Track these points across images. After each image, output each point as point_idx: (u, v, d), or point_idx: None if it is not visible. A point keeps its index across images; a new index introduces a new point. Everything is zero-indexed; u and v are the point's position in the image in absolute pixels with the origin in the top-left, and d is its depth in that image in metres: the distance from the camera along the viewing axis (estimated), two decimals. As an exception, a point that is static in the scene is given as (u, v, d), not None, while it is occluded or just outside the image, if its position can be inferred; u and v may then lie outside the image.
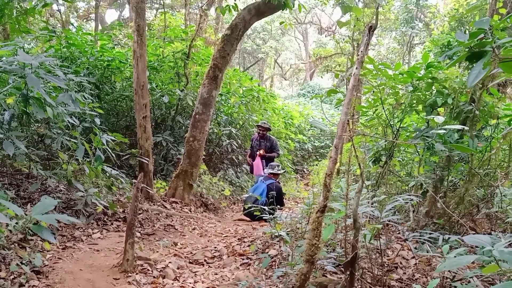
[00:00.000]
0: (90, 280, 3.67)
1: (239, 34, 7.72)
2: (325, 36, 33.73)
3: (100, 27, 20.79)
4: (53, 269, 3.73)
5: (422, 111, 5.04)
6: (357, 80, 2.72)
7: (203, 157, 8.04)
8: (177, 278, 3.99)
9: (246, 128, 11.34)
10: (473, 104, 4.18)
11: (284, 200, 8.13)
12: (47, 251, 4.08)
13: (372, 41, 23.86)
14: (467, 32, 1.98)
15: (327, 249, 3.79)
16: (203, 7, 13.24)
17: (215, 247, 5.07)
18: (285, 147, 12.98)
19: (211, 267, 4.44)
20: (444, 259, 2.56)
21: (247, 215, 7.19)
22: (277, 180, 7.79)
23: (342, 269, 3.29)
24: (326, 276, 3.37)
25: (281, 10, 8.17)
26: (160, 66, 9.53)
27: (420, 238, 3.46)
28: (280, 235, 3.93)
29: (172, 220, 6.27)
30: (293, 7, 8.01)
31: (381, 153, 5.25)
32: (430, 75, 4.56)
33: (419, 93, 4.77)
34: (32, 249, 3.86)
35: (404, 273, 3.40)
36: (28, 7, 7.28)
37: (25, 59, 4.03)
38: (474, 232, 4.10)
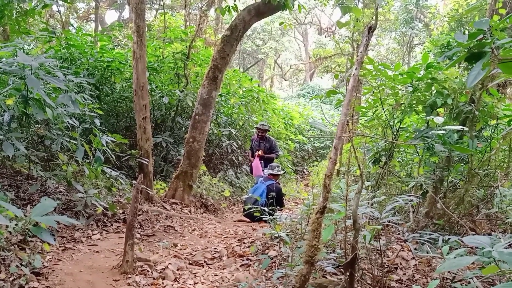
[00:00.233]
0: (89, 282, 3.66)
1: (239, 34, 7.72)
2: (325, 37, 33.75)
3: (100, 28, 20.79)
4: (52, 270, 3.72)
5: (421, 112, 5.04)
6: (356, 81, 2.72)
7: (203, 158, 8.04)
8: (177, 279, 3.99)
9: (246, 129, 11.35)
10: (472, 104, 4.18)
11: (284, 201, 8.13)
12: (47, 252, 4.08)
13: (372, 41, 23.87)
14: (466, 32, 1.98)
15: (327, 250, 3.79)
16: (202, 8, 13.24)
17: (215, 248, 5.07)
18: (285, 148, 12.98)
19: (211, 268, 4.44)
20: (444, 260, 2.55)
21: (247, 216, 7.19)
22: (277, 181, 7.79)
23: (342, 270, 3.29)
24: (326, 277, 3.37)
25: (280, 11, 8.17)
26: (160, 67, 9.53)
27: (420, 239, 3.46)
28: (280, 236, 3.93)
29: (172, 221, 6.27)
30: (293, 7, 8.01)
31: (381, 153, 5.25)
32: (429, 76, 4.56)
33: (419, 94, 4.77)
34: (31, 251, 3.86)
35: (404, 274, 3.40)
36: (28, 8, 7.28)
37: (24, 60, 4.03)
38: (474, 232, 4.09)
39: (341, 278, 3.27)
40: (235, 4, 8.03)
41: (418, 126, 5.19)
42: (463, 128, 3.87)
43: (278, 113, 13.62)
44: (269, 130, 9.24)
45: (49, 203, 2.06)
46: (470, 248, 3.54)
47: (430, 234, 3.44)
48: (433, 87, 4.64)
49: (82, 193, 5.18)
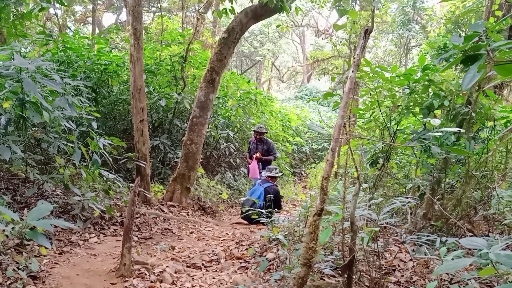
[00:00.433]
0: (87, 285, 3.65)
1: (236, 37, 7.73)
2: (322, 39, 33.81)
3: (97, 31, 20.78)
4: (50, 274, 3.71)
5: (419, 114, 5.04)
6: (353, 83, 2.72)
7: (201, 160, 8.03)
8: (175, 282, 3.98)
9: (243, 131, 11.35)
10: (469, 106, 4.19)
11: (281, 203, 8.13)
12: (44, 256, 4.07)
13: (369, 43, 23.95)
14: (462, 35, 1.99)
15: (325, 252, 3.79)
16: (200, 11, 13.25)
17: (213, 251, 5.06)
18: (282, 150, 12.98)
19: (208, 271, 4.43)
20: (442, 262, 2.55)
21: (244, 219, 7.18)
22: (275, 183, 7.79)
23: (340, 272, 3.29)
24: (324, 279, 3.37)
25: (278, 13, 8.18)
26: (157, 70, 9.53)
27: (417, 241, 3.46)
28: (278, 238, 3.92)
29: (170, 224, 6.26)
30: (290, 10, 8.03)
31: (379, 155, 5.25)
32: (426, 78, 4.57)
33: (416, 96, 4.78)
34: (28, 254, 3.85)
35: (402, 276, 3.40)
36: (25, 11, 7.28)
37: (21, 64, 4.02)
38: (471, 234, 4.10)
39: (339, 280, 3.27)
40: (232, 7, 8.04)
41: (415, 128, 5.21)
42: (460, 130, 3.88)
43: (276, 115, 13.63)
44: (266, 132, 9.24)
45: (45, 206, 2.06)
46: (468, 250, 3.54)
47: (427, 236, 3.44)
48: (430, 89, 4.65)
49: (79, 196, 5.17)
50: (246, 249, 4.98)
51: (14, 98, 4.30)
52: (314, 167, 13.81)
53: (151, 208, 6.67)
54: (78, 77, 7.83)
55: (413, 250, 3.68)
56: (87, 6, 23.73)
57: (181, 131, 9.55)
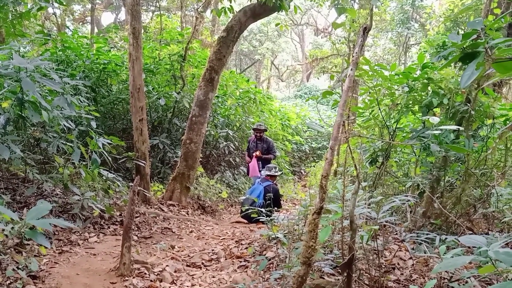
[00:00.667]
0: (86, 285, 3.65)
1: (235, 36, 7.73)
2: (321, 38, 33.80)
3: (96, 30, 20.77)
4: (49, 273, 3.71)
5: (418, 112, 5.04)
6: (352, 82, 2.72)
7: (200, 159, 8.03)
8: (174, 281, 3.98)
9: (243, 130, 11.34)
10: (468, 104, 4.18)
11: (281, 202, 8.13)
12: (44, 255, 4.07)
13: (368, 42, 23.94)
14: (461, 32, 1.98)
15: (324, 251, 3.79)
16: (199, 9, 13.24)
17: (213, 250, 5.06)
18: (282, 149, 12.98)
19: (208, 270, 4.43)
20: (441, 260, 2.55)
21: (244, 217, 7.18)
22: (274, 182, 7.78)
23: (339, 270, 3.29)
24: (323, 278, 3.37)
25: (277, 12, 8.18)
26: (157, 69, 9.52)
27: (417, 239, 3.46)
28: (277, 237, 3.92)
29: (169, 223, 6.26)
30: (289, 8, 8.02)
31: (378, 154, 5.25)
32: (425, 76, 4.56)
33: (415, 94, 4.78)
34: (28, 254, 3.85)
35: (402, 274, 3.40)
36: (23, 11, 7.27)
37: (20, 63, 4.02)
38: (471, 232, 4.10)
39: (338, 279, 3.27)
40: (231, 6, 8.04)
41: (414, 126, 5.20)
42: (459, 128, 3.88)
43: (275, 114, 13.63)
44: (266, 130, 9.23)
45: (44, 206, 2.06)
46: (468, 248, 3.54)
47: (427, 234, 3.44)
48: (429, 87, 4.65)
49: (78, 195, 5.16)
50: (246, 248, 4.98)
51: (13, 97, 4.30)
52: (314, 166, 13.80)
53: (151, 207, 6.67)
54: (77, 76, 7.83)
55: (412, 249, 3.68)
56: (85, 6, 23.71)
57: (180, 130, 9.55)
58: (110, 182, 6.06)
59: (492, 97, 4.44)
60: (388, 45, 26.18)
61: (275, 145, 9.83)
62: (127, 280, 3.78)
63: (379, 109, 5.09)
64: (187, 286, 3.87)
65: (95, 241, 4.92)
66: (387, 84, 4.90)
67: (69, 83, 5.31)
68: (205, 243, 5.55)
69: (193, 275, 4.20)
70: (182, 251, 5.10)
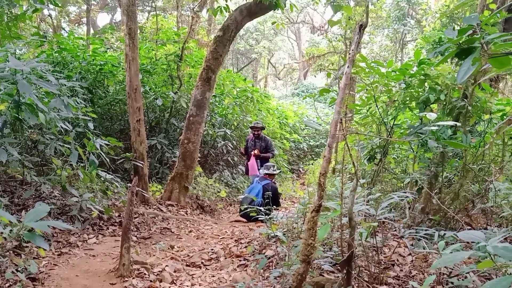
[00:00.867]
0: (86, 286, 3.65)
1: (231, 35, 7.72)
2: (318, 35, 33.78)
3: (92, 31, 20.72)
4: (49, 275, 3.70)
5: (415, 108, 5.05)
6: (348, 79, 2.72)
7: (198, 159, 8.03)
8: (174, 281, 3.98)
9: (240, 129, 11.34)
10: (465, 99, 4.19)
11: (280, 200, 8.13)
12: (43, 257, 4.06)
13: (365, 39, 23.95)
14: (457, 28, 1.98)
15: (324, 248, 3.79)
16: (195, 9, 13.22)
17: (212, 249, 5.06)
18: (280, 147, 12.98)
19: (208, 269, 4.43)
20: (440, 256, 2.56)
21: (243, 216, 7.18)
22: (273, 180, 7.79)
23: (339, 268, 3.29)
24: (323, 276, 3.37)
25: (273, 10, 8.17)
26: (153, 69, 9.51)
27: (416, 235, 3.47)
28: (277, 235, 3.92)
29: (168, 223, 6.25)
30: (285, 7, 8.01)
31: (376, 150, 5.26)
32: (422, 72, 4.57)
33: (412, 90, 4.78)
34: (27, 256, 3.84)
35: (401, 270, 3.40)
36: (18, 13, 7.24)
37: (16, 65, 4.01)
38: (469, 227, 4.11)
39: (338, 276, 3.27)
40: (226, 5, 8.03)
41: (412, 123, 5.21)
42: (456, 124, 3.88)
43: (273, 113, 13.62)
44: (264, 128, 9.23)
45: (42, 208, 2.05)
46: (467, 243, 3.55)
47: (426, 230, 3.45)
48: (426, 83, 4.65)
49: (77, 197, 5.16)
50: (245, 246, 4.98)
51: (10, 100, 4.29)
52: (312, 164, 13.79)
53: (150, 208, 6.67)
54: (73, 78, 7.81)
55: (411, 245, 3.69)
56: (81, 7, 23.64)
57: (178, 130, 9.54)
58: (108, 183, 6.05)
59: (489, 92, 4.45)
60: (384, 42, 26.20)
61: (274, 144, 9.83)
62: (126, 280, 3.78)
63: (377, 106, 5.09)
64: (187, 286, 3.87)
65: (94, 243, 4.92)
66: (384, 81, 4.90)
67: (65, 85, 5.29)
68: (205, 243, 5.55)
69: (192, 274, 4.20)
70: (182, 251, 5.10)
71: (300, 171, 15.52)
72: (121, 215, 5.81)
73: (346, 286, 2.86)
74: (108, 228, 5.48)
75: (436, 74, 4.48)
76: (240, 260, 4.54)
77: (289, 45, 41.27)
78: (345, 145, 2.97)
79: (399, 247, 3.82)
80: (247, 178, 10.38)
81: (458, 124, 4.05)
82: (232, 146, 10.48)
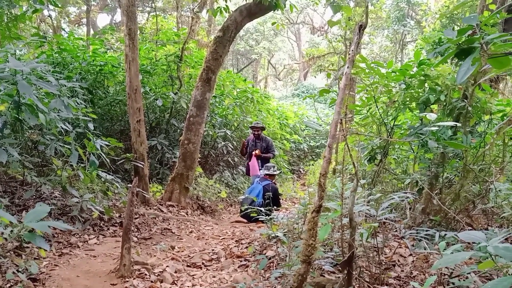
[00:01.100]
0: (87, 286, 3.65)
1: (231, 35, 7.72)
2: (318, 36, 33.78)
3: (92, 32, 20.72)
4: (49, 276, 3.70)
5: (415, 109, 5.05)
6: (348, 79, 2.72)
7: (199, 159, 8.03)
8: (175, 282, 3.98)
9: (241, 130, 11.34)
10: (465, 100, 4.19)
11: (280, 200, 8.13)
12: (43, 258, 4.06)
13: (365, 40, 23.94)
14: (456, 28, 1.99)
15: (324, 249, 3.79)
16: (194, 10, 13.23)
17: (213, 250, 5.06)
18: (280, 148, 12.98)
19: (209, 270, 4.43)
20: (441, 256, 2.56)
21: (244, 217, 7.18)
22: (273, 181, 7.78)
23: (340, 268, 3.29)
24: (324, 276, 3.37)
25: (272, 11, 8.17)
26: (153, 70, 9.51)
27: (417, 236, 3.47)
28: (277, 236, 3.92)
29: (169, 224, 6.25)
30: (285, 7, 8.02)
31: (376, 151, 5.26)
32: (422, 73, 4.57)
33: (412, 91, 4.78)
34: (28, 257, 3.84)
35: (402, 271, 3.40)
36: (18, 13, 7.25)
37: (16, 66, 4.00)
38: (470, 228, 4.11)
39: (339, 277, 3.27)
40: (226, 5, 8.03)
41: (412, 123, 5.21)
42: (456, 124, 3.88)
43: (273, 113, 13.62)
44: (264, 128, 9.23)
45: (42, 209, 2.05)
46: (468, 244, 3.55)
47: (427, 231, 3.45)
48: (426, 84, 4.65)
49: (77, 197, 5.16)
50: (246, 247, 4.98)
51: (10, 100, 4.29)
52: (312, 164, 13.80)
53: (150, 208, 6.67)
54: (73, 78, 7.81)
55: (412, 245, 3.69)
56: (81, 7, 23.65)
57: (178, 130, 9.54)
58: (108, 184, 6.05)
59: (489, 92, 4.45)
60: (384, 43, 26.19)
61: (274, 144, 9.83)
62: (127, 281, 3.78)
63: (377, 107, 5.09)
64: (188, 287, 3.87)
65: (95, 243, 4.92)
66: (384, 81, 4.91)
67: (65, 85, 5.29)
68: (205, 243, 5.55)
69: (193, 275, 4.19)
70: (182, 251, 5.10)
71: (300, 171, 15.52)
72: (122, 216, 5.81)
73: (347, 286, 2.86)
74: (108, 229, 5.48)
75: (436, 74, 4.48)
76: (240, 261, 4.54)
77: (289, 45, 41.28)
78: (345, 145, 2.97)
79: (400, 247, 3.82)
80: (248, 179, 10.38)
81: (458, 124, 4.06)
82: (232, 147, 10.49)
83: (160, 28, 11.58)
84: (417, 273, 3.32)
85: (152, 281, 3.87)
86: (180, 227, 6.27)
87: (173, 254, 4.93)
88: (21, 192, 5.15)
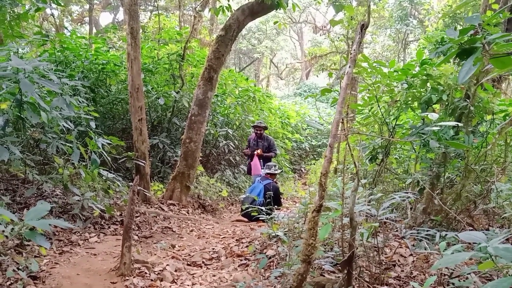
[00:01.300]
0: (87, 285, 3.65)
1: (234, 34, 7.72)
2: (320, 35, 33.75)
3: (94, 30, 20.75)
4: (50, 274, 3.71)
5: (417, 108, 5.04)
6: (350, 79, 2.72)
7: (200, 158, 8.03)
8: (175, 280, 3.98)
9: (242, 129, 11.34)
10: (468, 100, 4.18)
11: (281, 200, 8.12)
12: (44, 256, 4.07)
13: (367, 39, 23.93)
14: (459, 28, 1.98)
15: (325, 249, 3.79)
16: (197, 9, 13.22)
17: (213, 249, 5.06)
18: (282, 147, 12.98)
19: (209, 268, 4.43)
20: (441, 256, 2.55)
21: (244, 216, 7.18)
22: (274, 180, 7.78)
23: (340, 268, 3.29)
24: (324, 276, 3.37)
25: (275, 10, 8.17)
26: (155, 68, 9.52)
27: (417, 236, 3.46)
28: (278, 235, 3.92)
29: (170, 223, 6.26)
30: (287, 6, 8.01)
31: (378, 151, 5.25)
32: (424, 72, 4.56)
33: (414, 90, 4.77)
34: (28, 255, 3.84)
35: (402, 271, 3.40)
36: (21, 12, 7.25)
37: (18, 64, 4.01)
38: (471, 228, 4.10)
39: (339, 276, 3.27)
40: (229, 4, 8.03)
41: (414, 123, 5.20)
42: (458, 124, 3.87)
43: (275, 112, 13.61)
44: (266, 128, 9.23)
45: (43, 207, 2.05)
46: (468, 244, 3.54)
47: (427, 231, 3.44)
48: (428, 84, 4.64)
49: (78, 196, 5.16)
50: (247, 246, 4.98)
51: (12, 99, 4.29)
52: (314, 164, 13.80)
53: (151, 207, 6.67)
54: (75, 77, 7.81)
55: (413, 245, 3.68)
56: (84, 6, 23.67)
57: (180, 129, 9.54)
58: (110, 182, 6.06)
59: (491, 92, 4.43)
60: (387, 42, 26.16)
61: (276, 143, 9.83)
62: (127, 279, 3.78)
63: (379, 106, 5.08)
64: (188, 285, 3.87)
65: (96, 241, 4.92)
66: (386, 81, 4.89)
67: (67, 84, 5.30)
68: (206, 242, 5.55)
69: (193, 274, 4.20)
70: (183, 250, 5.11)
71: (302, 171, 15.51)
72: (123, 214, 5.82)
73: (347, 286, 2.85)
74: (109, 227, 5.48)
75: (439, 74, 4.47)
76: (241, 260, 4.54)
77: (292, 44, 41.27)
78: (347, 145, 2.97)
79: (400, 247, 3.81)
80: (249, 178, 10.38)
81: (460, 124, 4.04)
82: (234, 146, 10.48)
83: (162, 27, 11.58)
84: (417, 273, 3.31)
85: (152, 280, 3.88)
86: (181, 226, 6.28)
87: (174, 252, 4.93)
88: (23, 190, 5.16)
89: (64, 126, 4.92)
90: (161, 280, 3.91)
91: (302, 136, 15.97)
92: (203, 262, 4.62)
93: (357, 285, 3.05)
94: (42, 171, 5.63)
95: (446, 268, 3.07)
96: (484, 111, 4.51)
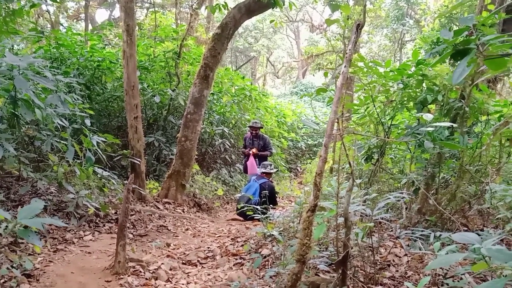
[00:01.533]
0: (81, 283, 3.64)
1: (230, 32, 7.70)
2: (317, 34, 33.76)
3: (90, 27, 20.65)
4: (44, 272, 3.69)
5: (413, 108, 5.05)
6: (345, 78, 2.72)
7: (196, 157, 8.02)
8: (170, 279, 3.97)
9: (238, 127, 11.33)
10: (463, 100, 4.19)
11: (277, 199, 8.13)
12: (38, 254, 4.05)
13: (364, 38, 23.94)
14: (454, 29, 1.98)
15: (319, 248, 3.79)
16: (193, 6, 13.19)
17: (208, 248, 5.06)
18: (278, 146, 12.98)
19: (204, 267, 4.43)
20: (436, 257, 2.56)
21: (240, 215, 7.18)
22: (270, 179, 7.78)
23: (334, 267, 3.29)
24: (318, 275, 3.37)
25: (271, 8, 8.15)
26: (151, 66, 9.49)
27: (412, 236, 3.47)
28: (273, 234, 3.92)
29: (165, 221, 6.25)
30: (284, 5, 8.00)
31: (373, 150, 5.26)
32: (420, 72, 4.57)
33: (410, 91, 4.78)
34: (22, 253, 3.83)
35: (397, 271, 3.41)
36: (16, 8, 7.20)
37: (13, 61, 3.99)
38: (466, 228, 4.11)
39: (333, 276, 3.27)
40: (225, 2, 8.00)
41: (409, 123, 5.21)
42: (453, 125, 3.88)
43: (271, 111, 13.60)
44: (262, 127, 9.23)
45: (37, 204, 2.04)
46: (463, 244, 3.55)
47: (422, 231, 3.45)
48: (423, 84, 4.65)
49: (73, 193, 5.15)
50: (242, 245, 4.98)
51: (6, 95, 4.27)
52: (310, 163, 13.81)
53: (146, 205, 6.66)
54: (71, 74, 7.78)
55: (407, 245, 3.69)
56: (79, 2, 23.56)
57: (175, 127, 9.52)
58: (105, 180, 6.04)
59: (486, 93, 4.45)
60: (383, 42, 26.19)
61: (271, 142, 9.82)
62: (122, 278, 3.77)
63: (374, 106, 5.09)
64: (183, 284, 3.86)
65: (90, 240, 4.91)
66: (382, 80, 4.90)
67: (62, 81, 5.28)
68: (201, 241, 5.55)
69: (188, 273, 4.19)
70: (178, 249, 5.10)
71: (298, 170, 15.52)
72: (118, 212, 5.80)
73: (341, 286, 2.86)
74: (104, 225, 5.46)
75: (434, 74, 4.48)
76: (236, 259, 4.54)
77: (288, 43, 41.28)
78: (342, 144, 2.97)
79: (395, 247, 3.82)
80: (245, 177, 10.38)
81: (455, 125, 4.05)
82: (229, 144, 10.47)
83: (158, 24, 11.54)
84: (412, 273, 3.32)
85: (146, 278, 3.87)
86: (176, 225, 6.27)
87: (169, 251, 4.92)
88: (17, 187, 5.14)
89: (59, 124, 4.90)
90: (156, 279, 3.90)
91: (298, 135, 15.98)
92: (198, 261, 4.61)
93: (352, 285, 3.05)
94: (36, 169, 5.60)
95: (440, 268, 3.08)
96: (479, 112, 4.53)
